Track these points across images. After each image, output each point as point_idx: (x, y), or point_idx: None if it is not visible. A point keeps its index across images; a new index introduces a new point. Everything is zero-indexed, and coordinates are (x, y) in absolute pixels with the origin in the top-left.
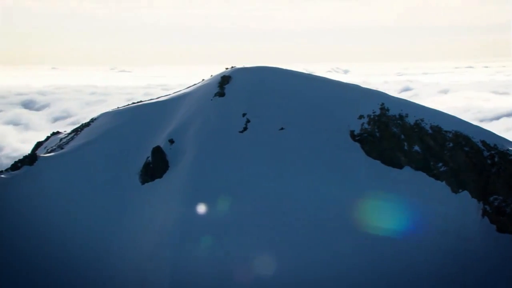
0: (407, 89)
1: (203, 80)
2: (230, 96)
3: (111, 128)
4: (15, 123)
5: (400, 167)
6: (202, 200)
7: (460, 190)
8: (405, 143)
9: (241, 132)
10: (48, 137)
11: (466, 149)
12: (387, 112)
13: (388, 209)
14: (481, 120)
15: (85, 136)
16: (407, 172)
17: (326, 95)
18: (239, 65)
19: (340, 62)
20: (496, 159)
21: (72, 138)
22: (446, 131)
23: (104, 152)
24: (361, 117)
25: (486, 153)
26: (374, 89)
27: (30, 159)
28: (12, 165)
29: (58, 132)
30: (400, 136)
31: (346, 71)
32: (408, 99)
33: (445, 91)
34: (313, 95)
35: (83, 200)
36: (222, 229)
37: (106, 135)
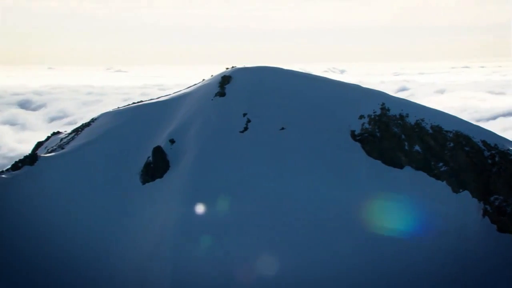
0: (403, 89)
1: (203, 80)
2: (230, 96)
3: (111, 128)
4: (11, 123)
5: (401, 167)
6: (202, 200)
7: (461, 190)
8: (406, 143)
9: (242, 132)
10: (48, 137)
11: (467, 149)
12: (387, 112)
13: (389, 209)
14: (478, 120)
15: (86, 136)
16: (408, 172)
17: (327, 95)
18: (238, 65)
19: (337, 62)
20: (496, 159)
21: (72, 138)
22: (446, 131)
23: (104, 152)
24: (361, 117)
25: (486, 153)
26: (374, 89)
27: (31, 159)
28: (13, 165)
29: (58, 132)
30: (401, 136)
31: (342, 71)
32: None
33: (441, 91)
34: (313, 95)
35: (84, 200)
36: (222, 229)
37: (106, 135)
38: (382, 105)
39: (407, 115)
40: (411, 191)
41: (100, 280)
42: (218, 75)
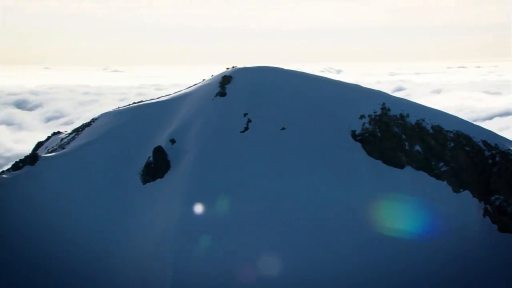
0: (400, 89)
1: (203, 80)
2: (231, 96)
3: (112, 128)
4: (8, 123)
5: (401, 167)
6: (203, 200)
7: (461, 190)
8: (406, 143)
9: (242, 132)
10: (48, 137)
11: (467, 148)
12: (388, 112)
13: (389, 208)
14: (474, 120)
15: (86, 136)
16: (408, 172)
17: (327, 95)
18: (237, 65)
19: (333, 62)
20: (497, 159)
21: (73, 138)
22: (447, 131)
23: (105, 152)
24: (362, 117)
25: (487, 153)
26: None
27: (31, 159)
28: (13, 165)
29: (58, 132)
30: (401, 136)
31: (339, 71)
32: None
33: (437, 91)
34: (314, 95)
35: (84, 200)
36: (223, 229)
37: (107, 135)
38: (382, 105)
39: (408, 115)
40: (411, 191)
41: (101, 280)
42: (218, 75)
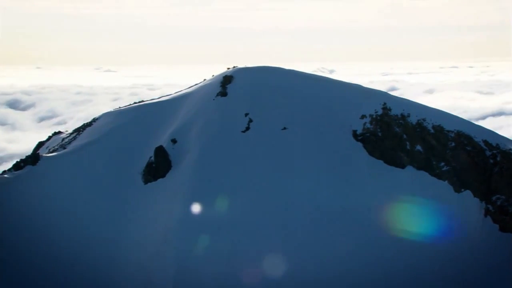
0: (393, 89)
1: (204, 80)
2: (232, 96)
3: (113, 127)
4: (1, 123)
5: (403, 166)
6: (205, 200)
7: (463, 190)
8: (407, 143)
9: (244, 131)
10: (49, 137)
11: (468, 148)
12: (389, 112)
13: (390, 208)
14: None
15: (87, 136)
16: (409, 171)
17: (328, 95)
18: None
19: (326, 62)
20: (498, 159)
21: (74, 138)
22: (448, 131)
23: (106, 152)
24: (363, 116)
25: (488, 153)
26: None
27: (33, 159)
28: (15, 164)
29: (59, 132)
30: (402, 136)
31: (331, 71)
32: None
33: (430, 91)
34: (315, 95)
35: (86, 200)
36: (225, 229)
37: (108, 135)
38: (383, 105)
39: (409, 115)
40: (412, 191)
41: (103, 280)
42: (219, 75)
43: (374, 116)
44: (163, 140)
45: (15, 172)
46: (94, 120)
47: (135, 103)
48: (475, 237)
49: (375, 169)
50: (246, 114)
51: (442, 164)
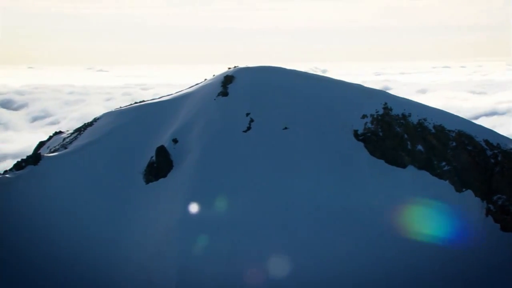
0: (386, 89)
1: (205, 79)
2: (233, 96)
3: (114, 127)
4: None
5: (404, 166)
6: (206, 200)
7: (464, 189)
8: (408, 143)
9: (245, 131)
10: (50, 137)
11: (469, 148)
12: (390, 112)
13: (391, 208)
14: None
15: (88, 136)
16: (411, 171)
17: (330, 95)
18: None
19: (318, 62)
20: (499, 158)
21: (75, 138)
22: (449, 131)
23: (107, 151)
24: (364, 116)
25: (489, 152)
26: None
27: (34, 158)
28: (16, 164)
29: (60, 132)
30: (403, 136)
31: (324, 71)
32: None
33: (423, 91)
34: (316, 95)
35: (87, 200)
36: (227, 229)
37: (109, 135)
38: (384, 104)
39: (410, 115)
40: (413, 191)
41: (104, 281)
42: (220, 74)
43: (375, 116)
44: (164, 140)
45: (17, 172)
46: (95, 120)
47: (135, 103)
48: (476, 236)
49: (376, 169)
50: (247, 114)
51: (443, 163)
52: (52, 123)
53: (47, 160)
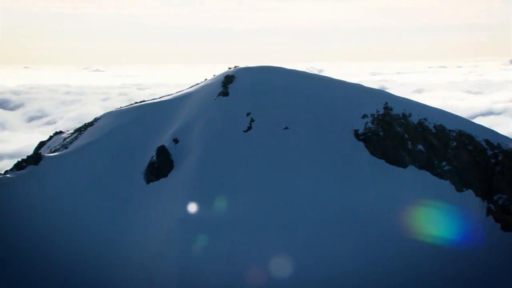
0: (382, 89)
1: (205, 79)
2: (234, 96)
3: (115, 127)
4: None
5: (404, 166)
6: (207, 200)
7: (464, 189)
8: (409, 142)
9: (246, 131)
10: (51, 137)
11: (470, 148)
12: (390, 112)
13: (392, 207)
14: None
15: (89, 136)
16: (411, 171)
17: (330, 94)
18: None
19: (314, 62)
20: (499, 158)
21: (75, 138)
22: (449, 130)
23: (108, 151)
24: (365, 116)
25: (489, 152)
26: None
27: (35, 158)
28: (16, 164)
29: (61, 132)
30: (404, 135)
31: (320, 71)
32: None
33: (419, 91)
34: (317, 95)
35: (88, 200)
36: (227, 228)
37: (110, 135)
38: (385, 104)
39: (410, 115)
40: (414, 190)
41: (104, 281)
42: (220, 74)
43: (375, 116)
44: (165, 140)
45: (17, 171)
46: (96, 120)
47: (136, 102)
48: (477, 236)
49: (376, 169)
50: (248, 114)
51: (444, 163)
52: (49, 123)
53: (47, 160)
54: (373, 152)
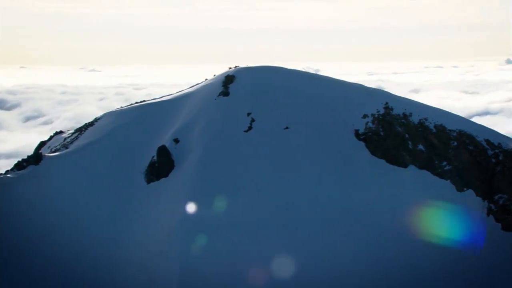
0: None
1: (206, 79)
2: (234, 96)
3: (115, 127)
4: None
5: (405, 166)
6: (208, 199)
7: (465, 189)
8: (410, 142)
9: (246, 131)
10: (51, 137)
11: (470, 147)
12: (391, 111)
13: (393, 207)
14: None
15: (89, 136)
16: (412, 171)
17: (331, 94)
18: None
19: (311, 62)
20: (500, 158)
21: (76, 138)
22: (450, 130)
23: (108, 151)
24: (365, 116)
25: (490, 152)
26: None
27: (35, 158)
28: (17, 164)
29: (61, 132)
30: (404, 135)
31: (316, 71)
32: None
33: (416, 91)
34: (317, 94)
35: (88, 200)
36: (228, 228)
37: (110, 135)
38: (385, 104)
39: (411, 114)
40: (414, 190)
41: (105, 281)
42: (221, 74)
43: (376, 116)
44: (166, 140)
45: (18, 171)
46: (96, 119)
47: (136, 102)
48: (477, 236)
49: (377, 169)
50: (248, 114)
51: (444, 163)
52: (45, 123)
53: (48, 160)
54: (373, 152)
